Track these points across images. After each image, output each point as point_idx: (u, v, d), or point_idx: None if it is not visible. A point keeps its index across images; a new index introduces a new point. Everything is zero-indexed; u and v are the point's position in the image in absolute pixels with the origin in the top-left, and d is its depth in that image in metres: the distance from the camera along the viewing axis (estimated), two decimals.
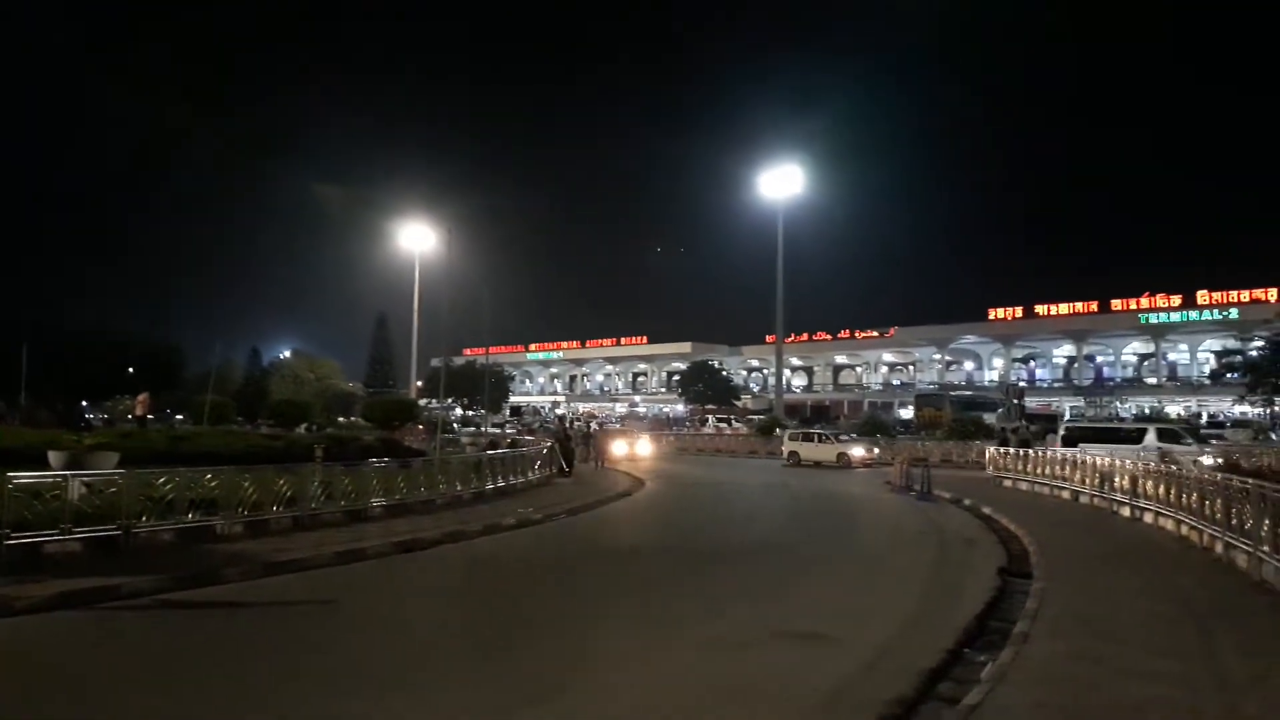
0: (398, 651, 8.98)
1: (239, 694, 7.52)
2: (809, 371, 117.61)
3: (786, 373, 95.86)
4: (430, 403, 64.62)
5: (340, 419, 64.04)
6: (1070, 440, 27.65)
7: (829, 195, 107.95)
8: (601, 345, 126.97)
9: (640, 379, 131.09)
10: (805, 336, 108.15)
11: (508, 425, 67.63)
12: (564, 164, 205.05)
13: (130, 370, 42.41)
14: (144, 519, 13.35)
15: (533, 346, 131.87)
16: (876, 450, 40.56)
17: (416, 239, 66.59)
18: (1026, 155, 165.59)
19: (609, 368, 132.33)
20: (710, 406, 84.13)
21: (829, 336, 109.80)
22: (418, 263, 67.41)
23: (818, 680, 7.93)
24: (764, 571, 13.79)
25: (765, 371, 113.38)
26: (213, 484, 14.55)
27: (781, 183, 66.16)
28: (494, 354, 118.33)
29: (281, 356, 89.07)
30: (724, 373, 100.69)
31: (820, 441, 39.80)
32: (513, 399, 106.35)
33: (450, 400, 66.90)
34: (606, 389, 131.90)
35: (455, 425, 61.25)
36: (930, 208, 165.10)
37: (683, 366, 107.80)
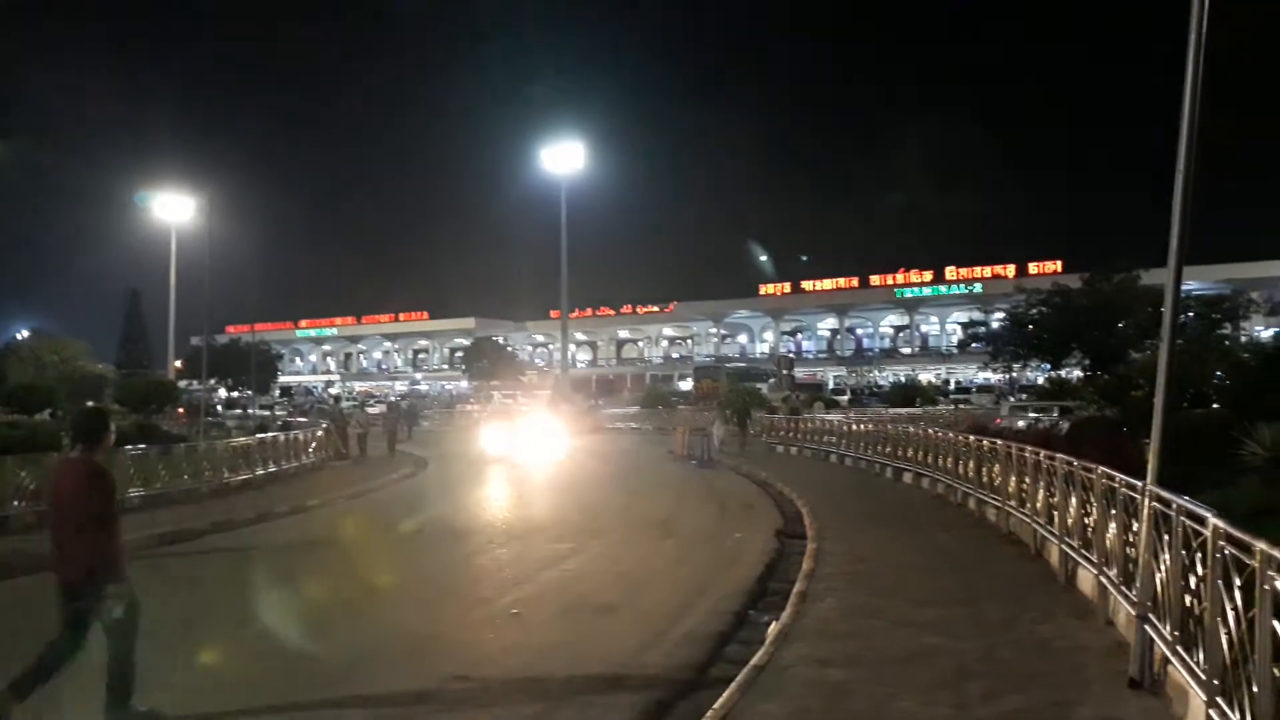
0: (168, 649, 8.24)
1: None
2: (593, 346, 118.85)
3: (571, 347, 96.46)
4: (191, 384, 60.40)
5: (90, 403, 58.76)
6: None
7: (611, 172, 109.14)
8: (379, 321, 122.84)
9: (421, 356, 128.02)
10: (590, 311, 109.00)
11: (277, 407, 64.26)
12: (340, 134, 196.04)
13: None
14: None
15: (303, 323, 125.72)
16: None
17: (172, 208, 61.53)
18: (790, 137, 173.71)
19: (387, 344, 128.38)
20: (495, 383, 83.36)
21: (612, 311, 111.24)
22: (174, 233, 62.39)
23: (612, 650, 7.96)
24: (554, 544, 13.75)
25: (551, 346, 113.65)
26: None
27: (564, 158, 66.01)
28: (261, 331, 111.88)
29: (19, 337, 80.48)
30: (509, 348, 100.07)
31: None
32: (283, 379, 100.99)
33: (213, 381, 62.70)
34: (385, 367, 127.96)
35: (219, 408, 57.59)
36: (704, 185, 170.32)
37: (466, 342, 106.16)
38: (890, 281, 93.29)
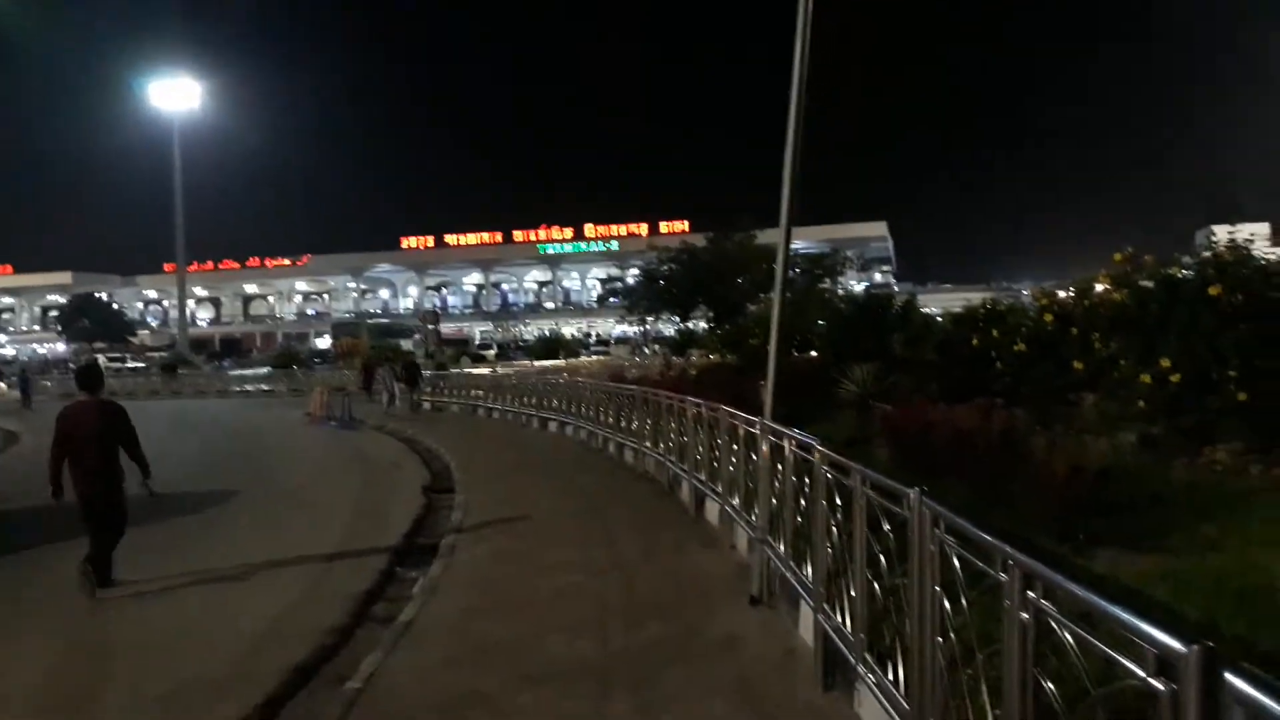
0: None
1: None
2: (216, 302, 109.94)
3: (191, 304, 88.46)
4: None
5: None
6: None
7: (233, 114, 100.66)
8: None
9: (6, 315, 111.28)
10: (211, 265, 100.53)
11: None
12: None
13: None
14: None
15: None
16: None
17: None
18: (437, 87, 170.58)
19: None
20: (100, 344, 74.43)
21: (238, 265, 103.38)
22: None
23: (246, 623, 7.39)
24: (180, 518, 12.53)
25: (166, 303, 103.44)
26: None
27: (177, 95, 59.97)
28: None
29: None
30: (115, 306, 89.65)
31: None
32: None
33: None
34: None
35: None
36: (340, 135, 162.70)
37: (62, 300, 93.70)
38: (534, 238, 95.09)
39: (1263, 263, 9.81)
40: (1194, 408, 9.45)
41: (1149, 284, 10.50)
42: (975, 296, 17.89)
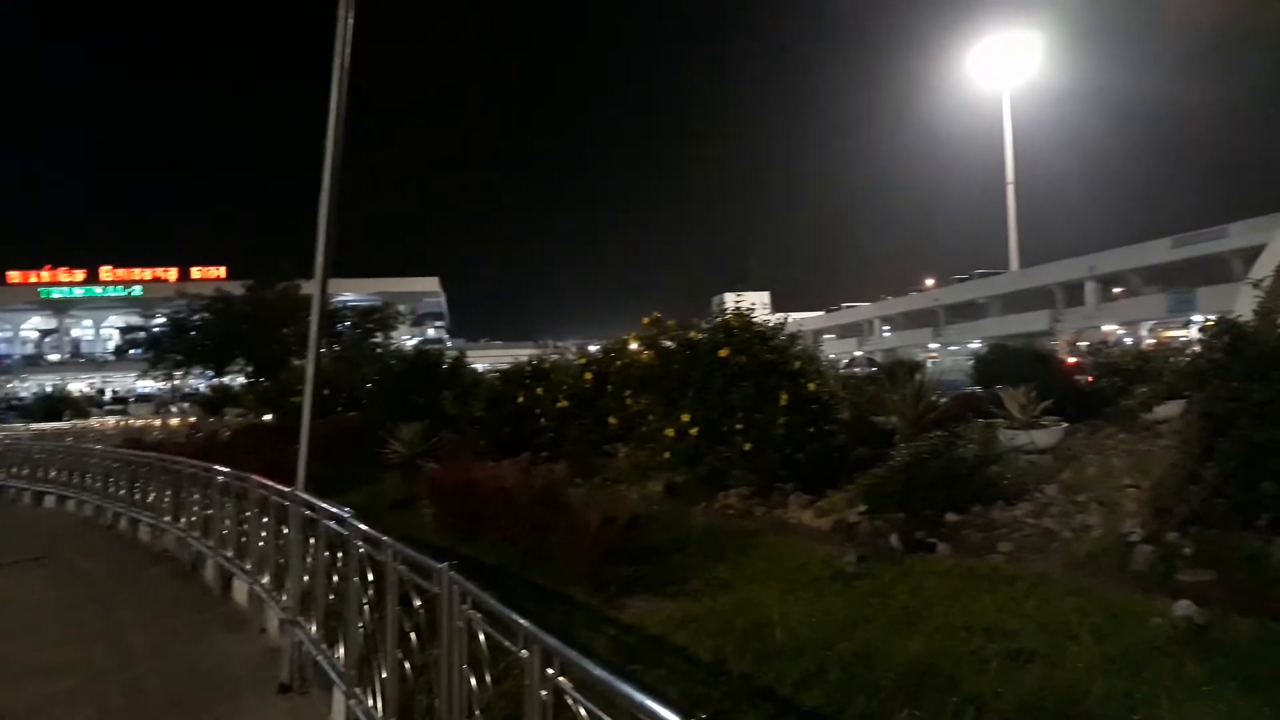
0: None
1: None
2: None
3: None
4: None
5: None
6: None
7: None
8: None
9: None
10: None
11: None
12: None
13: None
14: None
15: None
16: None
17: None
18: None
19: None
20: None
21: None
22: None
23: None
24: None
25: None
26: None
27: None
28: None
29: None
30: None
31: None
32: None
33: None
34: None
35: None
36: None
37: None
38: (35, 280, 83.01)
39: (761, 328, 11.19)
40: (710, 457, 10.44)
41: (671, 345, 11.50)
42: (524, 354, 18.44)
